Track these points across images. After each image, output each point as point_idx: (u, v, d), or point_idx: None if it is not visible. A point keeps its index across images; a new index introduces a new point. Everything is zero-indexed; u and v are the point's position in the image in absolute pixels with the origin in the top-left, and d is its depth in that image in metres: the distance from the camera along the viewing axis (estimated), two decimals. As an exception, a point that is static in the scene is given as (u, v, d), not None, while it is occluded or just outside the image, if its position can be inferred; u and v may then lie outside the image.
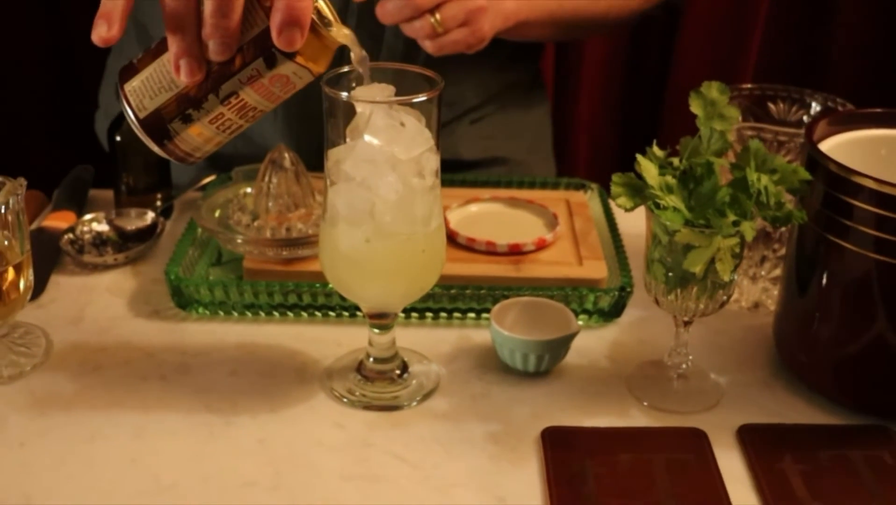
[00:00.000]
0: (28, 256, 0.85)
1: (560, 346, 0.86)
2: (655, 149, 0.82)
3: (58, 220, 1.07)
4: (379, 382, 0.86)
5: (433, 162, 0.78)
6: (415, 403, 0.84)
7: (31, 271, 0.86)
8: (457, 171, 1.27)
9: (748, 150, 0.79)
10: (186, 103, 0.70)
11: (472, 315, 0.95)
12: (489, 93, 1.27)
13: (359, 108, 0.76)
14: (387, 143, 0.75)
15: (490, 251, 0.99)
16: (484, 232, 1.02)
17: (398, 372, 0.86)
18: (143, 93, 0.70)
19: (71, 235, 1.04)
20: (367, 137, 0.74)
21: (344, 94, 0.74)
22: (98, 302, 0.97)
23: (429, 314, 0.95)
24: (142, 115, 0.71)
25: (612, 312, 0.95)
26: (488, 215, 1.07)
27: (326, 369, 0.88)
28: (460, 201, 1.08)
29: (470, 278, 0.96)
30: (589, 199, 1.14)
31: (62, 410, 0.82)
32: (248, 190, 1.04)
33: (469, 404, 0.84)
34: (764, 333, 0.94)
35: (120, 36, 0.67)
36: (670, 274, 0.79)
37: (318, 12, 0.71)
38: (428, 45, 1.00)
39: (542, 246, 1.00)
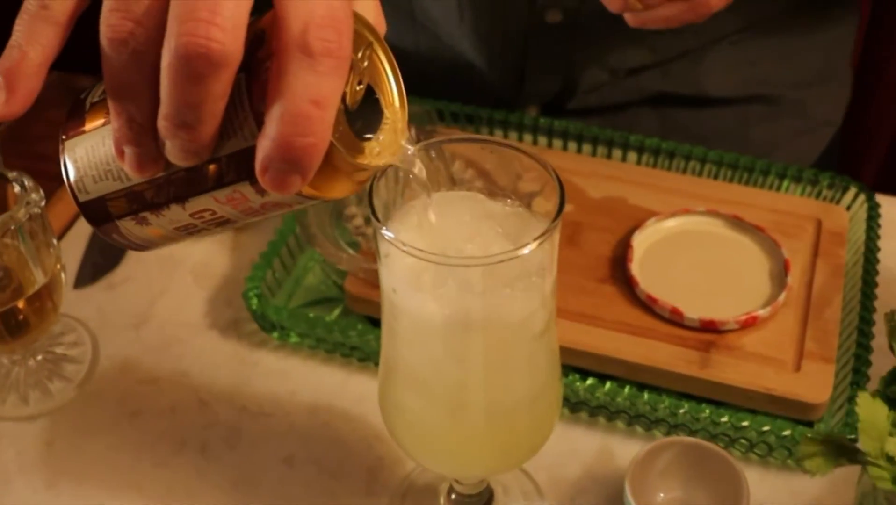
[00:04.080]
0: (55, 276, 0.67)
1: (716, 543, 0.60)
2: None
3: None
4: (462, 525, 0.64)
5: (539, 320, 0.51)
6: (498, 574, 0.62)
7: (61, 290, 0.69)
8: (697, 108, 0.95)
9: None
10: (140, 204, 0.46)
11: (623, 418, 0.69)
12: (765, 12, 0.91)
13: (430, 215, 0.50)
14: (467, 307, 0.48)
15: (675, 321, 0.71)
16: (677, 280, 0.73)
17: (489, 518, 0.64)
18: (85, 167, 0.46)
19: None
20: (434, 309, 0.48)
21: (389, 235, 0.47)
22: (175, 292, 0.79)
23: (566, 407, 0.70)
24: (82, 198, 0.47)
25: (825, 457, 0.66)
26: (694, 243, 0.77)
27: (402, 483, 0.67)
28: (663, 214, 0.78)
29: (633, 367, 0.69)
30: (852, 218, 0.80)
31: (74, 483, 0.67)
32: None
33: (571, 593, 0.61)
34: None
35: (28, 106, 0.43)
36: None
37: (375, 91, 0.44)
38: (628, 19, 0.68)
39: (750, 325, 0.71)
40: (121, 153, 0.42)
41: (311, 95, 0.38)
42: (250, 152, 0.40)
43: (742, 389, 0.67)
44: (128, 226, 0.47)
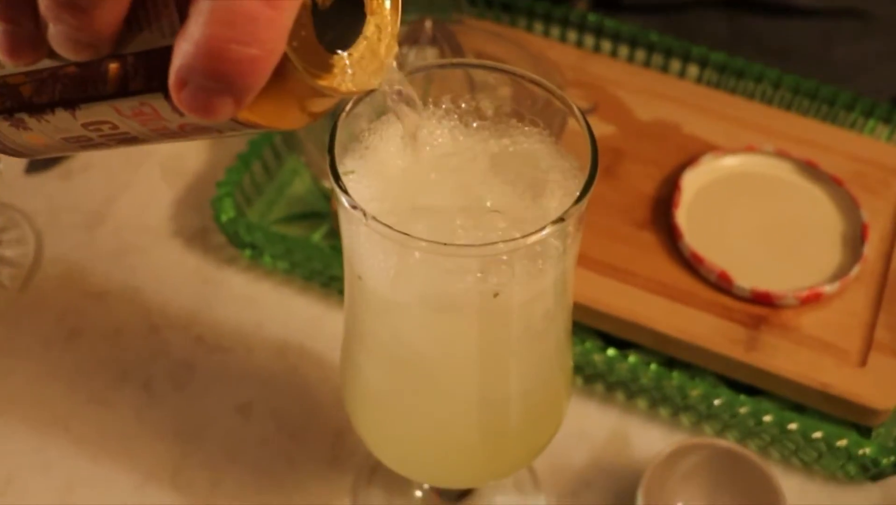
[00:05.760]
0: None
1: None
2: None
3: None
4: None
5: (550, 302, 0.39)
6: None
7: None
8: (777, 16, 0.81)
9: None
10: (16, 102, 0.34)
11: (645, 398, 0.58)
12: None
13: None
14: (453, 288, 0.37)
15: (721, 287, 0.59)
16: (730, 235, 0.61)
17: (470, 509, 0.54)
18: None
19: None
20: (410, 290, 0.37)
21: (347, 203, 0.35)
22: (139, 189, 0.67)
23: (579, 378, 0.59)
24: None
25: (880, 473, 0.55)
26: (755, 189, 0.64)
27: (372, 454, 0.56)
28: (723, 149, 0.65)
29: (664, 338, 0.57)
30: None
31: (-8, 412, 0.57)
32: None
33: None
34: None
35: None
36: None
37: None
38: None
39: (811, 301, 0.58)
40: None
41: None
42: (167, 54, 0.28)
43: (793, 381, 0.56)
44: (0, 127, 0.35)
